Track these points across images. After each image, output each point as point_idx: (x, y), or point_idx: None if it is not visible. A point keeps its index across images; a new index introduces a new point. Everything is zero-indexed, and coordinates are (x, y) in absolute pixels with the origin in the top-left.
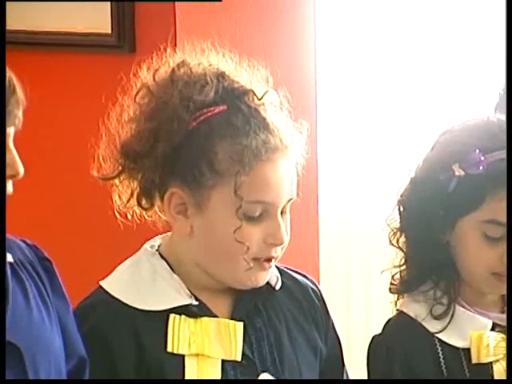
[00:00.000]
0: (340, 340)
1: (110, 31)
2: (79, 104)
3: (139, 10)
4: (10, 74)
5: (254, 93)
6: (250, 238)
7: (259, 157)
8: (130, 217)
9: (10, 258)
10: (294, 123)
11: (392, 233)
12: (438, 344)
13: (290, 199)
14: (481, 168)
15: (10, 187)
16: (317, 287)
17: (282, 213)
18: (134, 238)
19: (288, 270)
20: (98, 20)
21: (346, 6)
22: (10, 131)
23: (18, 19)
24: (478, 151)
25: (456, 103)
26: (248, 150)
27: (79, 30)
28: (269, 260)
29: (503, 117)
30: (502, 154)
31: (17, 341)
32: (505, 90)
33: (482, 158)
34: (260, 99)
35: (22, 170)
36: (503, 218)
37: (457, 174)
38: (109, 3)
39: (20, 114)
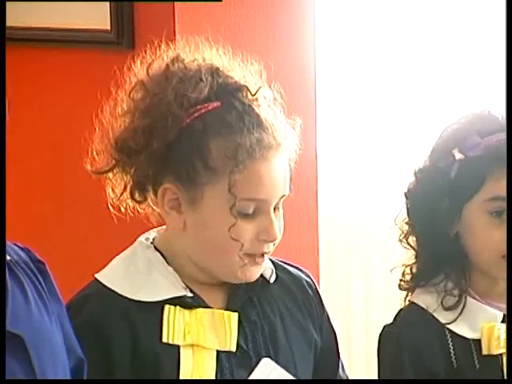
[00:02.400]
0: (335, 332)
1: (109, 27)
2: (78, 100)
3: (138, 7)
4: None
5: (247, 88)
6: (244, 234)
7: (253, 155)
8: (123, 210)
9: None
10: (287, 119)
11: (402, 233)
12: (448, 335)
13: (283, 195)
14: (480, 150)
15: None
16: (311, 280)
17: (274, 209)
18: (127, 236)
19: (282, 264)
20: (97, 16)
21: (345, 1)
22: None
23: (18, 16)
24: (476, 134)
25: (458, 97)
26: (242, 149)
27: (78, 26)
28: (261, 255)
29: None
30: (500, 136)
31: (19, 332)
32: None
33: (480, 140)
34: (254, 95)
35: None
36: (505, 193)
37: (457, 157)
38: None
39: None
